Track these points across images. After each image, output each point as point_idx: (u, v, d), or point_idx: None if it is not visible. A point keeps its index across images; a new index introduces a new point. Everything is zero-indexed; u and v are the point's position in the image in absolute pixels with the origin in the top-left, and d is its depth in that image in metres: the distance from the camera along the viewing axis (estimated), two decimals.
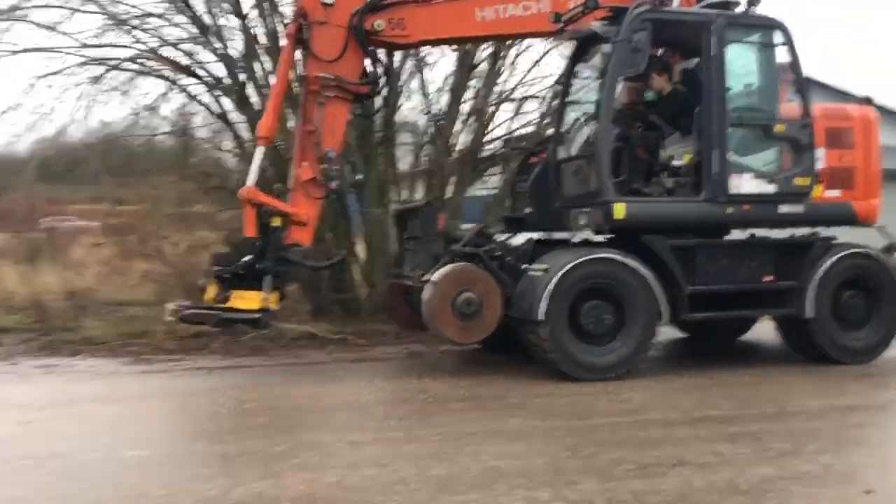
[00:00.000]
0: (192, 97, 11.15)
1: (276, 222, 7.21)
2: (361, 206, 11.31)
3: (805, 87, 7.43)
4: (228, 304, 7.05)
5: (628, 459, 4.61)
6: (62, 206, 21.64)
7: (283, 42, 7.70)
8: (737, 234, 8.03)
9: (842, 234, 7.94)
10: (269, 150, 8.30)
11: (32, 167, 11.38)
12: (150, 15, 10.42)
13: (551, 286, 6.79)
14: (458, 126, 11.39)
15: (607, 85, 7.07)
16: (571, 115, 7.96)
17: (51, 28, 10.42)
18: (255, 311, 7.08)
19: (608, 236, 7.62)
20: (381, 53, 7.92)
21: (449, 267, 7.14)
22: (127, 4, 10.53)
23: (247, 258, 7.08)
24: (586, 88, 7.83)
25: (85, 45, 10.62)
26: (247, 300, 7.10)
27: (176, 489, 4.14)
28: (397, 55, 10.55)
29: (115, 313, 11.65)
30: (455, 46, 9.49)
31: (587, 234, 7.47)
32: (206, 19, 10.30)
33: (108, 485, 4.24)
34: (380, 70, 7.76)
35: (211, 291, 7.10)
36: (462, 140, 11.49)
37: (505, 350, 8.03)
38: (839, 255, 7.53)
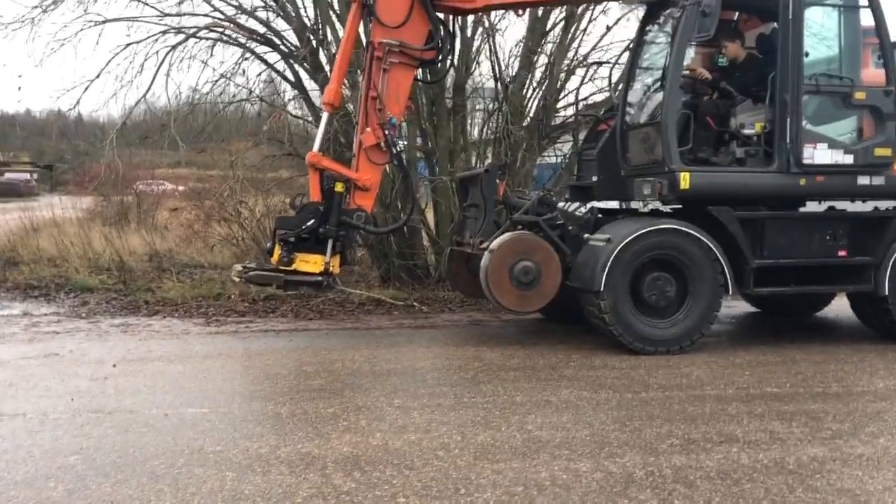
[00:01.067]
0: (269, 65, 11.34)
1: (339, 188, 7.31)
2: (431, 174, 11.46)
3: (891, 52, 7.03)
4: (292, 267, 7.23)
5: (675, 434, 4.56)
6: (151, 171, 22.53)
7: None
8: (814, 207, 7.72)
9: None
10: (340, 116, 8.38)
11: (113, 134, 11.73)
12: None
13: (612, 256, 6.69)
14: (529, 92, 11.25)
15: (675, 50, 6.85)
16: (641, 82, 7.76)
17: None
18: (318, 275, 7.24)
19: (676, 207, 7.47)
20: (449, 19, 7.88)
21: (507, 235, 7.12)
22: None
23: (310, 222, 7.23)
24: (656, 54, 7.60)
25: (165, 14, 10.92)
26: (310, 263, 7.26)
27: (228, 445, 4.31)
28: (469, 21, 10.52)
29: (194, 275, 12.12)
30: (526, 11, 9.29)
31: (653, 204, 7.31)
32: None
33: (167, 440, 4.45)
34: (446, 35, 7.70)
35: (276, 254, 7.28)
36: (533, 107, 11.35)
37: (567, 320, 7.99)
38: None
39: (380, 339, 7.67)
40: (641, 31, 7.80)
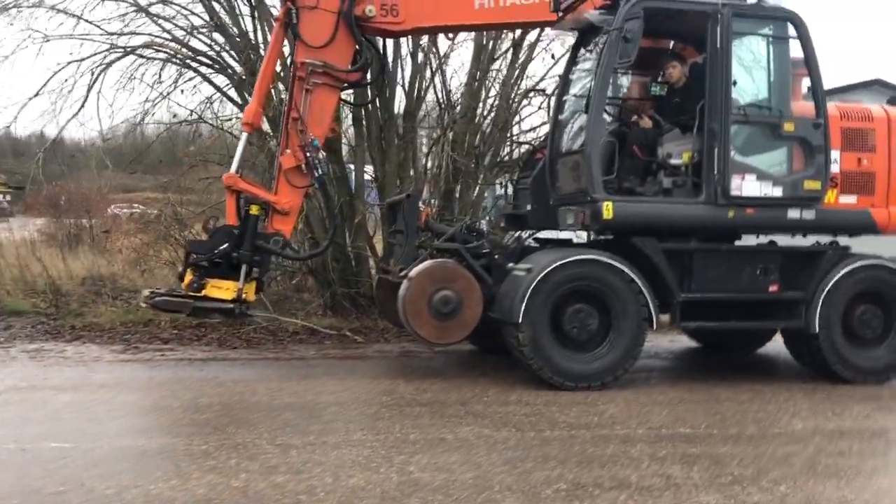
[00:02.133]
0: (210, 83, 11.07)
1: (254, 210, 7.03)
2: (380, 200, 11.19)
3: (819, 83, 6.87)
4: (203, 293, 6.91)
5: (565, 478, 4.27)
6: (128, 195, 22.14)
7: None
8: (750, 240, 7.54)
9: (861, 243, 7.35)
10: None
11: (40, 154, 11.42)
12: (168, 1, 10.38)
13: (532, 286, 6.44)
14: (478, 120, 11.07)
15: (598, 76, 6.65)
16: (570, 110, 7.57)
17: (76, 16, 10.46)
18: (229, 301, 6.92)
19: (605, 237, 7.25)
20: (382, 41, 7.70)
21: (427, 262, 6.86)
22: None
23: (223, 246, 6.93)
24: (585, 81, 7.42)
25: (110, 33, 10.65)
26: (222, 289, 6.95)
27: (73, 485, 3.98)
28: (422, 44, 10.34)
29: (131, 300, 11.74)
30: (456, 35, 9.13)
31: (579, 234, 7.10)
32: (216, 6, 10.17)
33: (8, 477, 4.09)
34: (371, 57, 7.50)
35: (187, 279, 6.96)
36: (480, 136, 11.17)
37: (500, 351, 7.71)
38: (852, 266, 6.96)
39: (296, 370, 7.34)
40: (572, 58, 7.62)
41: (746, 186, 6.73)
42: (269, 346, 8.75)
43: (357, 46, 7.21)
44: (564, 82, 7.68)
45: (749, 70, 6.94)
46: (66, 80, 10.49)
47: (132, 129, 12.00)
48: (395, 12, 7.28)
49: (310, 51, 7.12)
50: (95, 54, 10.49)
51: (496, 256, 7.19)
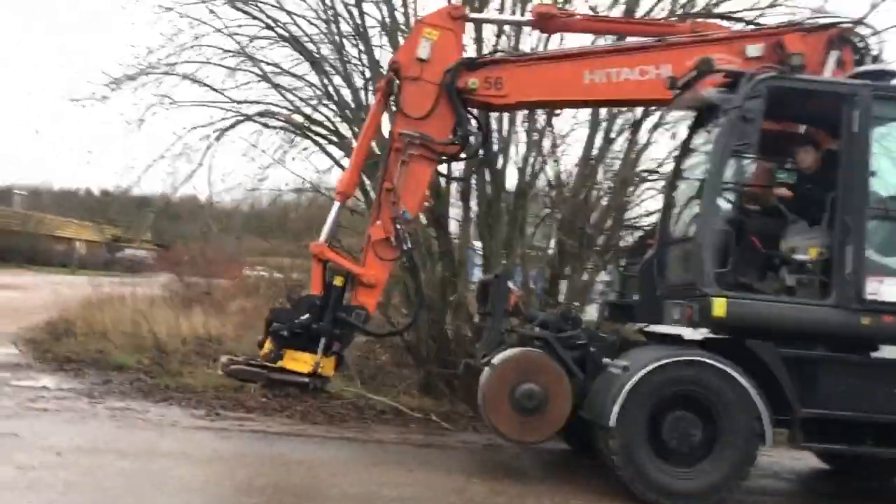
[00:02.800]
0: (325, 152, 11.11)
1: (338, 282, 6.75)
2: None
3: None
4: (279, 364, 6.63)
5: None
6: (264, 258, 22.77)
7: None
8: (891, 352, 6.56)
9: None
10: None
11: (151, 211, 11.72)
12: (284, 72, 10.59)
13: (628, 387, 5.77)
14: (592, 202, 10.54)
15: (714, 158, 6.04)
16: (684, 194, 6.94)
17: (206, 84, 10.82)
18: (305, 375, 6.60)
19: (720, 336, 6.49)
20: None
21: (514, 351, 6.31)
22: (270, 63, 10.78)
23: (304, 317, 6.66)
24: (701, 164, 6.80)
25: (235, 101, 10.94)
26: (299, 362, 6.66)
27: None
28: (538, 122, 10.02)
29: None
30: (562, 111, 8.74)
31: (694, 332, 6.37)
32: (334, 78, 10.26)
33: None
34: (474, 130, 7.17)
35: (266, 348, 6.71)
36: (594, 217, 10.63)
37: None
38: None
39: (369, 454, 6.89)
40: (688, 139, 7.04)
41: (885, 290, 5.85)
42: (351, 424, 8.36)
43: (457, 119, 6.93)
44: (678, 165, 7.09)
45: (890, 159, 6.13)
46: (185, 144, 10.79)
47: (276, 197, 12.19)
48: (499, 85, 6.97)
49: (409, 122, 6.90)
50: (220, 120, 10.79)
51: (592, 349, 6.55)
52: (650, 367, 5.80)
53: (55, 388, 9.27)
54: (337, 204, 7.13)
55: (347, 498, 5.29)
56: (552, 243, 10.28)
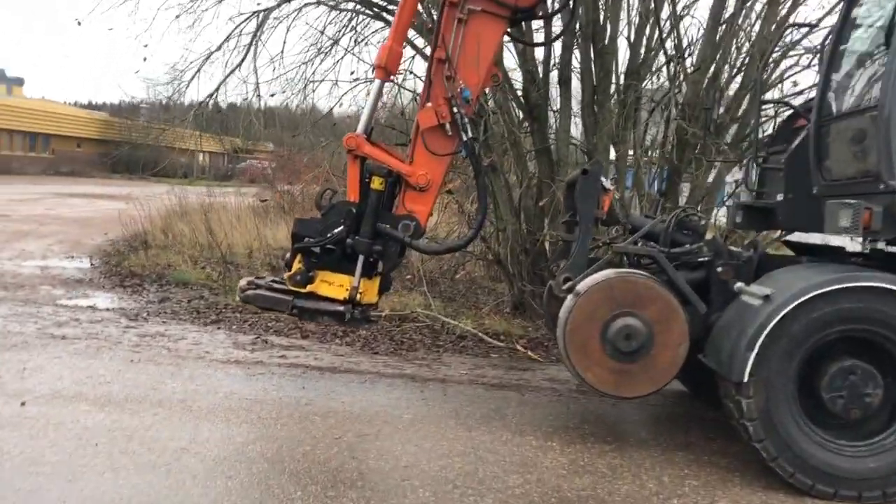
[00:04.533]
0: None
1: (377, 184, 5.17)
2: None
3: None
4: (309, 289, 5.21)
5: None
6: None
7: None
8: None
9: None
10: None
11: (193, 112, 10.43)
12: None
13: (772, 325, 3.99)
14: (722, 77, 8.43)
15: None
16: (853, 55, 4.86)
17: None
18: (339, 302, 5.16)
19: None
20: None
21: (606, 273, 4.59)
22: None
23: (337, 230, 5.17)
24: (878, 15, 4.68)
25: None
26: (332, 286, 5.21)
27: None
28: None
29: None
30: None
31: (872, 244, 4.46)
32: None
33: None
34: None
35: (294, 268, 5.30)
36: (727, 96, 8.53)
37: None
38: None
39: (422, 402, 5.42)
40: None
41: None
42: (420, 355, 6.96)
43: None
44: (842, 26, 4.94)
45: None
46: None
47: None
48: None
49: None
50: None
51: (719, 269, 4.73)
52: (805, 297, 3.98)
53: (102, 308, 8.35)
54: (377, 82, 5.45)
55: (362, 477, 3.84)
56: (671, 133, 8.26)
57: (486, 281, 11.00)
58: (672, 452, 4.57)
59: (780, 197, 5.41)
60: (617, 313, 4.41)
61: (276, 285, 5.41)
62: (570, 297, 4.55)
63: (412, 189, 5.27)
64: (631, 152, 8.57)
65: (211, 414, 4.81)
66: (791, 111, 5.93)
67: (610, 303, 4.42)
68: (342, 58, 9.80)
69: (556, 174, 8.32)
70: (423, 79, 5.46)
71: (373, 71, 5.76)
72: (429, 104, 5.21)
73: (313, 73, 9.58)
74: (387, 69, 5.41)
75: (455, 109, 5.13)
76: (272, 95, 9.71)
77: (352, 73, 10.68)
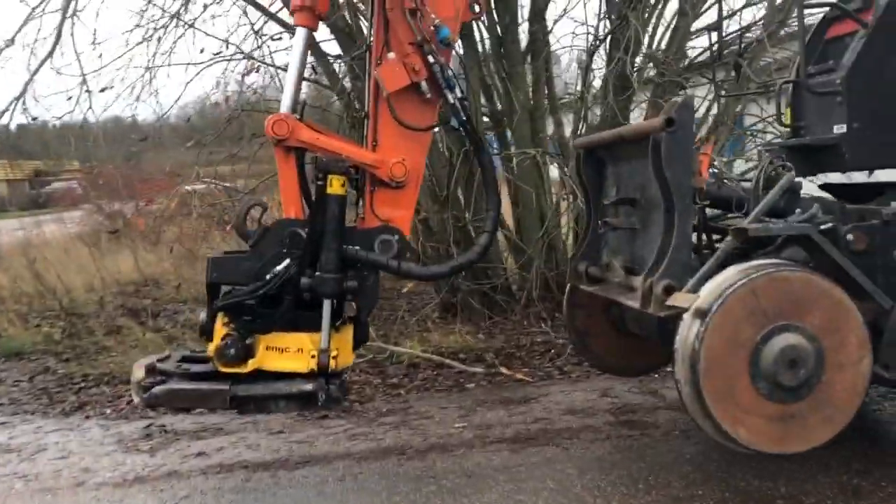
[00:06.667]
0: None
1: (337, 187, 3.34)
2: (503, 147, 7.47)
3: None
4: (253, 364, 3.31)
5: None
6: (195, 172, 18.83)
7: None
8: None
9: None
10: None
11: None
12: None
13: None
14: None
15: None
16: None
17: None
18: (304, 377, 3.31)
19: None
20: None
21: (734, 272, 3.02)
22: None
23: (281, 266, 3.30)
24: None
25: None
26: (288, 354, 3.35)
27: None
28: None
29: (179, 316, 8.43)
30: None
31: None
32: None
33: None
34: None
35: (216, 338, 3.36)
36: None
37: None
38: None
39: (452, 496, 3.66)
40: None
41: None
42: (380, 406, 5.19)
43: None
44: None
45: None
46: None
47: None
48: None
49: None
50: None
51: (849, 237, 3.28)
52: None
53: None
54: (301, 33, 3.57)
55: None
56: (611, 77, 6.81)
57: (390, 281, 9.25)
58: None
59: (837, 129, 4.06)
60: (769, 331, 2.85)
61: (194, 368, 3.46)
62: (686, 317, 2.94)
63: (384, 187, 3.48)
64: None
65: None
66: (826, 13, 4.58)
67: (757, 317, 2.86)
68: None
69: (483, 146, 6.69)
70: (370, 19, 3.62)
71: (290, 16, 3.82)
72: (390, 55, 3.42)
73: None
74: (314, 9, 3.55)
75: (431, 58, 3.38)
76: (102, 91, 7.40)
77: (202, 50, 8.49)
